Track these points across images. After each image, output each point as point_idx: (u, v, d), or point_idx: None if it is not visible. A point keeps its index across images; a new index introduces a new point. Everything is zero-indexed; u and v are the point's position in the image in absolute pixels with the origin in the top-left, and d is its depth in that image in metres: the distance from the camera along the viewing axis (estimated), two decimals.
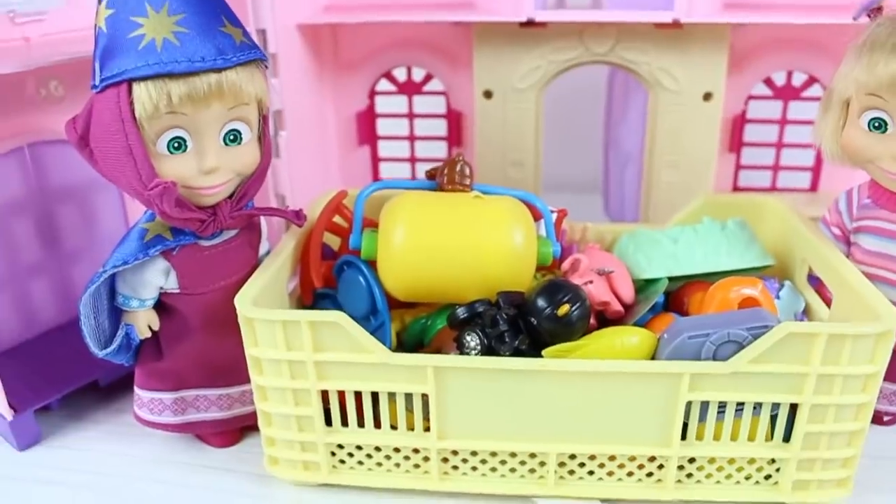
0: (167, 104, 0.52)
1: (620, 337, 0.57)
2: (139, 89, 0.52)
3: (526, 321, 0.57)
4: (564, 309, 0.56)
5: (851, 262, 0.62)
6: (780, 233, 0.72)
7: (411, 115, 0.96)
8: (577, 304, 0.57)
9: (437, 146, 0.97)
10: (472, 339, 0.57)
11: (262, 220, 0.65)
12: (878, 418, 0.66)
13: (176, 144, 0.55)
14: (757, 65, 0.88)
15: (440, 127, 0.95)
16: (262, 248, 0.65)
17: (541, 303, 0.57)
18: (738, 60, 0.87)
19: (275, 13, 0.77)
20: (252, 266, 0.62)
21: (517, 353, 0.56)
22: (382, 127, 0.97)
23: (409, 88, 0.95)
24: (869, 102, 0.57)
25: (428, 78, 0.94)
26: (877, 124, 0.57)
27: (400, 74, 0.94)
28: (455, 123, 0.94)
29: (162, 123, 0.53)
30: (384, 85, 0.95)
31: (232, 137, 0.56)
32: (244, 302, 0.55)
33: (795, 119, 0.90)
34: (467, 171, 0.65)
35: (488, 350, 0.56)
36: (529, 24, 0.81)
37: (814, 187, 0.94)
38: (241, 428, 0.67)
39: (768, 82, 0.90)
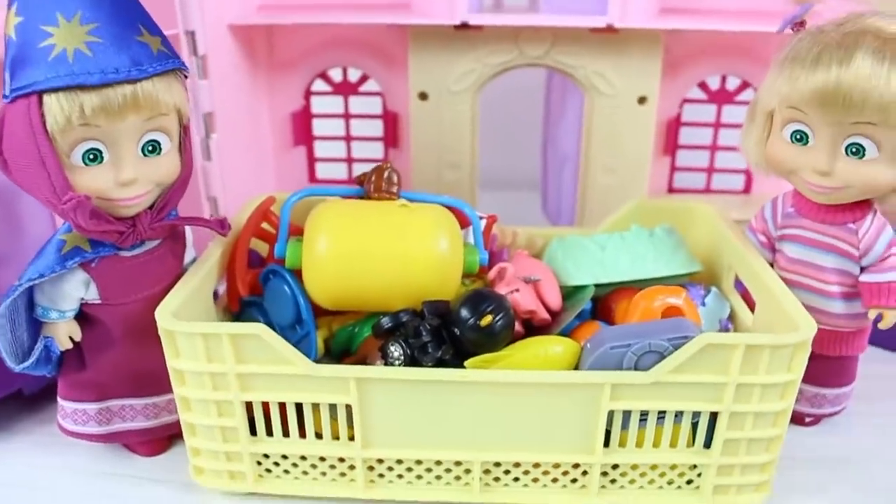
0: (80, 116, 0.51)
1: (544, 346, 0.57)
2: (50, 101, 0.50)
3: (450, 331, 0.57)
4: (487, 319, 0.56)
5: (776, 268, 0.63)
6: (710, 238, 0.73)
7: (347, 116, 0.96)
8: (501, 315, 0.57)
9: (373, 147, 0.96)
10: (395, 350, 0.57)
11: (187, 228, 0.64)
12: (799, 419, 0.67)
13: (91, 156, 0.53)
14: (692, 69, 0.89)
15: (377, 127, 0.95)
16: (188, 257, 0.64)
17: (464, 313, 0.57)
18: (673, 65, 0.87)
19: (204, 14, 0.76)
20: (176, 275, 0.61)
21: (440, 363, 0.56)
22: (318, 127, 0.96)
23: (345, 89, 0.94)
24: (791, 115, 0.57)
25: (364, 79, 0.93)
26: (798, 137, 0.58)
27: (336, 75, 0.93)
28: (391, 124, 0.94)
29: (75, 135, 0.52)
30: (320, 85, 0.94)
31: (150, 148, 0.56)
32: (164, 314, 0.55)
33: (729, 122, 0.91)
34: (395, 179, 0.64)
35: (411, 360, 0.56)
36: (464, 26, 0.81)
37: (747, 190, 0.95)
38: (168, 436, 0.66)
39: (703, 86, 0.90)
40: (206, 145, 0.80)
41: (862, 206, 0.60)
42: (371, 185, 0.64)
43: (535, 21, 0.80)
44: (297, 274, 0.62)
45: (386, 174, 0.64)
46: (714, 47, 0.87)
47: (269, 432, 0.59)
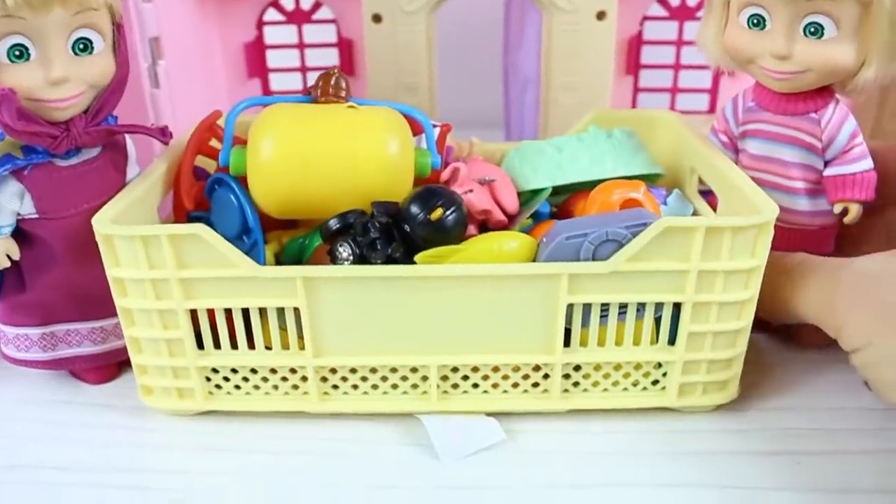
0: (2, 7, 0.49)
1: (498, 241, 0.54)
2: None
3: (401, 229, 0.55)
4: (438, 213, 0.54)
5: (739, 167, 0.61)
6: (672, 145, 0.71)
7: (302, 46, 0.93)
8: (452, 209, 0.55)
9: None
10: (343, 250, 0.54)
11: (130, 142, 0.62)
12: (764, 325, 0.66)
13: (17, 52, 0.51)
14: None
15: (332, 56, 0.92)
16: (131, 172, 0.62)
17: (414, 209, 0.55)
18: None
19: None
20: (118, 188, 0.58)
21: (390, 260, 0.53)
22: (273, 59, 0.94)
23: (298, 17, 0.91)
24: None
25: (317, 6, 0.91)
26: (755, 21, 0.57)
27: (288, 3, 0.91)
28: (347, 52, 0.91)
29: None
30: (272, 14, 0.91)
31: (82, 46, 0.53)
32: (102, 220, 0.52)
33: (691, 40, 0.89)
34: (343, 84, 0.62)
35: (360, 259, 0.54)
36: None
37: (712, 109, 0.93)
38: (117, 363, 0.64)
39: (663, 2, 0.88)
40: (153, 72, 0.77)
41: (823, 95, 0.59)
42: (318, 91, 0.61)
43: None
44: (243, 182, 0.59)
45: (333, 79, 0.62)
46: None
47: (217, 345, 0.57)
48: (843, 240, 0.64)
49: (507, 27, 1.01)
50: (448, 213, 0.54)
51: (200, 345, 0.57)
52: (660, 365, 0.57)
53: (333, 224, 0.56)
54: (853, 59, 0.55)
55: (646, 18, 0.89)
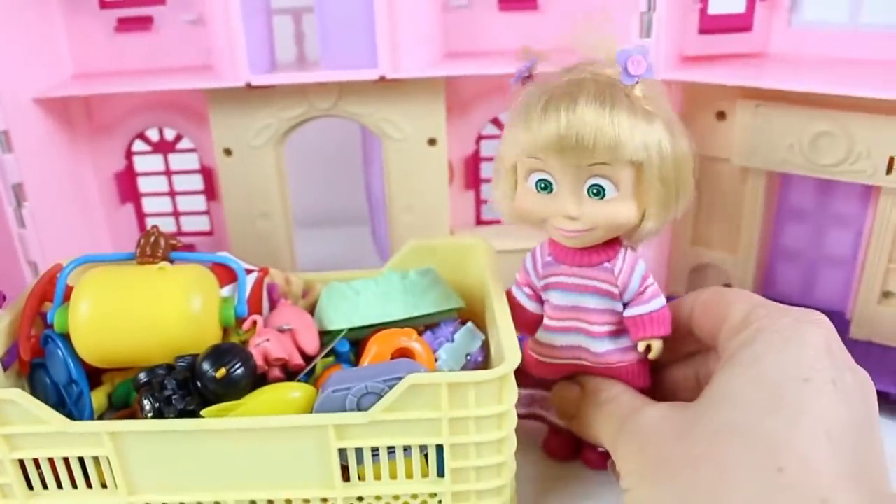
0: None
1: (280, 392, 0.62)
2: None
3: (196, 384, 0.63)
4: (222, 372, 0.61)
5: (546, 318, 0.67)
6: (480, 273, 0.78)
7: (168, 172, 1.01)
8: (237, 365, 0.62)
9: (196, 200, 1.02)
10: (146, 403, 0.62)
11: None
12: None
13: None
14: (483, 107, 0.94)
15: (197, 181, 1.00)
16: None
17: (204, 366, 0.62)
18: (463, 104, 0.93)
19: (2, 92, 0.80)
20: None
21: (185, 413, 0.61)
22: (143, 184, 1.02)
23: (163, 147, 1.00)
24: (532, 165, 0.60)
25: (179, 137, 0.99)
26: (543, 185, 0.60)
27: (153, 134, 0.99)
28: (208, 178, 0.99)
29: None
30: (140, 145, 0.99)
31: None
32: None
33: None
34: (161, 243, 0.70)
35: (158, 412, 0.61)
36: (253, 86, 0.87)
37: None
38: None
39: (496, 122, 0.96)
40: (18, 214, 0.85)
41: (613, 245, 0.63)
42: (137, 251, 0.69)
43: (312, 78, 0.86)
44: (68, 337, 0.67)
45: (153, 239, 0.70)
46: (503, 86, 0.90)
47: (45, 485, 0.64)
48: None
49: (364, 147, 1.09)
50: (233, 369, 0.62)
51: (31, 486, 0.64)
52: (434, 494, 0.63)
53: (141, 378, 0.63)
54: (634, 214, 0.60)
55: (481, 137, 0.97)
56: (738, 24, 0.84)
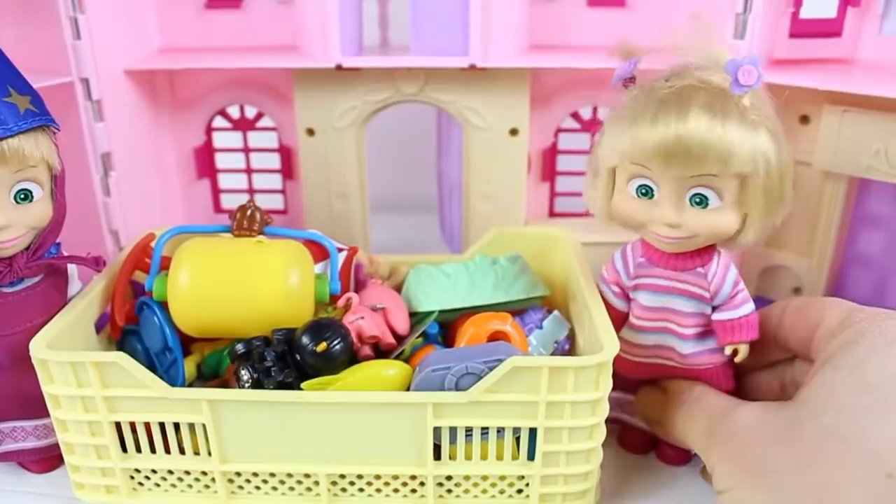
0: None
1: (377, 369, 0.63)
2: None
3: (294, 357, 0.64)
4: (323, 346, 0.62)
5: (632, 316, 0.67)
6: (563, 263, 0.79)
7: (247, 150, 1.02)
8: (337, 340, 0.63)
9: (272, 178, 1.03)
10: (244, 374, 0.63)
11: (72, 265, 0.70)
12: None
13: None
14: (563, 100, 0.95)
15: (274, 160, 1.01)
16: (73, 289, 0.70)
17: (304, 340, 0.63)
18: (545, 97, 0.94)
19: (97, 62, 0.82)
20: (59, 308, 0.67)
21: (283, 385, 0.62)
22: (220, 161, 1.03)
23: (243, 125, 1.01)
24: (635, 171, 0.60)
25: (260, 115, 1.00)
26: (644, 191, 0.60)
27: (234, 112, 1.00)
28: (286, 157, 1.00)
29: None
30: (220, 122, 1.00)
31: (22, 196, 0.62)
32: (38, 345, 0.61)
33: None
34: (257, 217, 0.71)
35: (257, 383, 0.62)
36: (341, 68, 0.87)
37: None
38: (59, 454, 0.72)
39: (575, 116, 0.97)
40: (105, 183, 0.86)
41: (708, 250, 0.63)
42: (234, 223, 0.70)
43: (401, 63, 0.87)
44: (165, 305, 0.68)
45: (249, 213, 0.71)
46: (584, 80, 0.93)
47: (139, 449, 0.65)
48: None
49: (439, 135, 1.09)
50: (333, 344, 0.63)
51: (124, 447, 0.65)
52: (522, 477, 0.64)
53: (239, 349, 0.64)
54: (735, 224, 0.60)
55: (560, 130, 0.97)
56: (829, 29, 0.84)
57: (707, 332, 0.66)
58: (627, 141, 0.58)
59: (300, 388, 0.62)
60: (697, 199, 0.59)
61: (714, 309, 0.65)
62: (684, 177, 0.58)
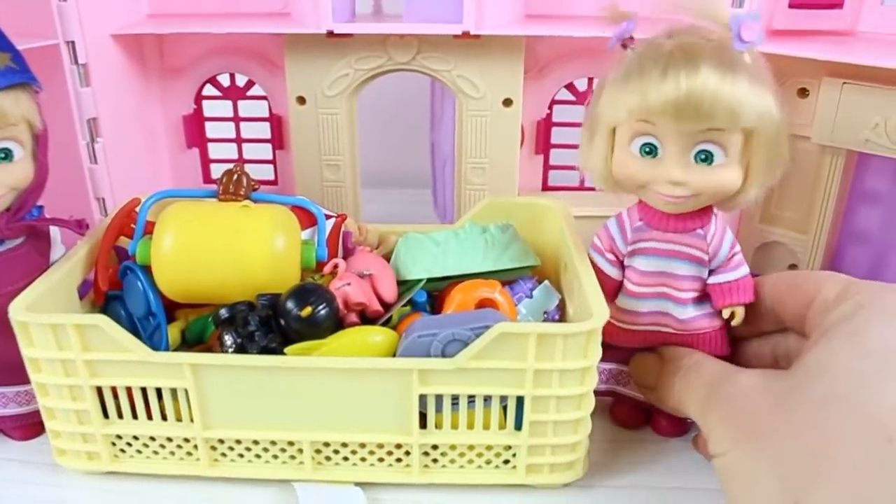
0: None
1: (363, 335, 0.62)
2: None
3: (278, 322, 0.62)
4: (308, 311, 0.61)
5: (627, 283, 0.66)
6: (555, 234, 0.78)
7: (237, 119, 1.01)
8: (322, 306, 0.62)
9: (263, 148, 1.01)
10: (228, 338, 0.62)
11: (54, 228, 0.69)
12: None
13: None
14: (559, 71, 0.93)
15: (265, 130, 1.00)
16: (55, 253, 0.69)
17: (289, 305, 0.62)
18: (540, 68, 0.93)
19: (83, 25, 0.80)
20: (41, 271, 0.66)
21: (267, 350, 0.61)
22: (210, 130, 1.01)
23: (233, 93, 0.99)
24: (640, 129, 0.59)
25: (250, 84, 0.98)
26: (648, 150, 0.59)
27: (224, 80, 0.98)
28: (277, 127, 0.99)
29: None
30: (210, 90, 0.99)
31: (3, 155, 0.61)
32: (18, 307, 0.60)
33: None
34: (244, 181, 0.70)
35: (241, 348, 0.61)
36: (332, 34, 0.86)
37: None
38: (41, 421, 0.71)
39: (570, 87, 0.95)
40: (91, 149, 0.85)
41: (706, 212, 0.63)
42: (220, 188, 0.69)
43: (393, 29, 0.85)
44: (148, 269, 0.67)
45: (235, 177, 0.69)
46: (579, 51, 0.91)
47: (120, 415, 0.64)
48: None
49: (432, 106, 1.08)
50: (318, 309, 0.62)
51: (106, 413, 0.64)
52: (509, 447, 0.63)
53: (223, 314, 0.63)
54: (738, 181, 0.59)
55: (554, 102, 0.96)
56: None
57: (703, 296, 0.65)
58: (635, 97, 0.57)
59: (284, 354, 0.61)
60: (703, 156, 0.58)
61: (710, 273, 0.64)
62: (692, 132, 0.57)
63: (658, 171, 0.60)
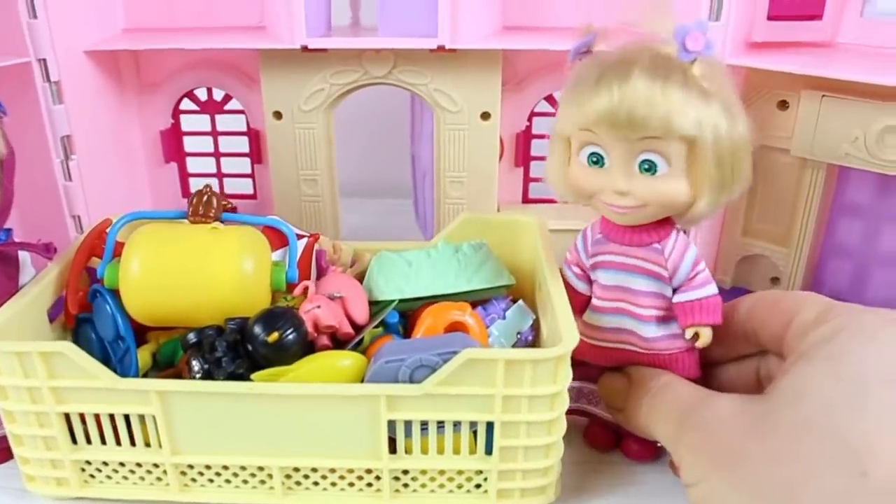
0: None
1: (331, 360, 0.61)
2: None
3: (245, 347, 0.62)
4: (274, 336, 0.60)
5: (594, 298, 0.66)
6: (531, 250, 0.77)
7: (215, 133, 1.00)
8: (290, 330, 0.61)
9: (241, 162, 1.01)
10: (195, 364, 0.61)
11: (23, 252, 0.68)
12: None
13: None
14: (538, 83, 0.93)
15: (243, 144, 0.99)
16: (24, 277, 0.68)
17: (256, 330, 0.61)
18: (518, 80, 0.92)
19: (55, 42, 0.80)
20: (10, 295, 0.65)
21: (234, 376, 0.60)
22: (188, 144, 1.01)
23: (211, 108, 0.99)
24: (585, 138, 0.59)
25: (228, 98, 0.98)
26: (595, 159, 0.59)
27: (201, 94, 0.98)
28: (255, 141, 0.98)
29: None
30: (188, 104, 0.98)
31: None
32: None
33: None
34: (213, 203, 0.69)
35: (207, 374, 0.61)
36: (309, 49, 0.85)
37: None
38: (9, 447, 0.70)
39: (550, 99, 0.95)
40: (65, 167, 0.84)
41: (665, 226, 0.62)
42: (190, 210, 0.68)
43: (368, 44, 0.85)
44: (117, 293, 0.66)
45: (205, 198, 0.69)
46: (558, 63, 0.89)
47: (89, 440, 0.63)
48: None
49: (412, 118, 1.07)
50: (286, 334, 0.61)
51: (75, 439, 0.63)
52: (480, 471, 0.63)
53: (190, 338, 0.62)
54: (686, 192, 0.58)
55: (534, 114, 0.95)
56: (809, 11, 0.82)
57: (669, 316, 0.64)
58: (574, 107, 0.58)
59: (251, 380, 0.60)
60: (646, 166, 0.58)
61: (675, 291, 0.63)
62: (631, 140, 0.57)
63: (604, 180, 0.59)
